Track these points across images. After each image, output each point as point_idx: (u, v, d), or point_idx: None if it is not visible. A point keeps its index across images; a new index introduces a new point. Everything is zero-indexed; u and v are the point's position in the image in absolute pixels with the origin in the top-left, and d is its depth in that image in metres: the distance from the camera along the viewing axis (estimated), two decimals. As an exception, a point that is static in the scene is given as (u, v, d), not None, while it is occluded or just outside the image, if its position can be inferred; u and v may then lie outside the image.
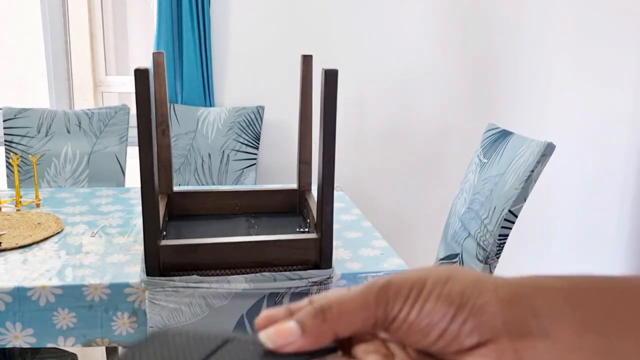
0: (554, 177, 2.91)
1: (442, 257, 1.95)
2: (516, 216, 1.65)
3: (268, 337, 0.36)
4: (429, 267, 0.38)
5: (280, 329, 0.36)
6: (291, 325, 0.36)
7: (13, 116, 2.36)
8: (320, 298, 0.38)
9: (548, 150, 1.62)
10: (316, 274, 1.34)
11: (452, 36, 2.78)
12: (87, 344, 1.40)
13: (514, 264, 2.99)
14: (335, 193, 1.96)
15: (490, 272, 1.71)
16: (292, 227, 1.64)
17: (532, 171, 1.62)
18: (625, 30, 2.86)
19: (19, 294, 1.36)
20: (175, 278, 1.31)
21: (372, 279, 0.41)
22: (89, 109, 2.43)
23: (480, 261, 1.71)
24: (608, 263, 3.12)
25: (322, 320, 0.36)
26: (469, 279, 0.37)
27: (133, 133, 2.54)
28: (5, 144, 2.36)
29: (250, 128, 2.55)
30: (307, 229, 1.60)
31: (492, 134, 1.95)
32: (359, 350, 0.41)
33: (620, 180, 3.02)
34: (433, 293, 0.36)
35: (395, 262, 1.53)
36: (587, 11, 2.82)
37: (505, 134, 1.88)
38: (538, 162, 1.62)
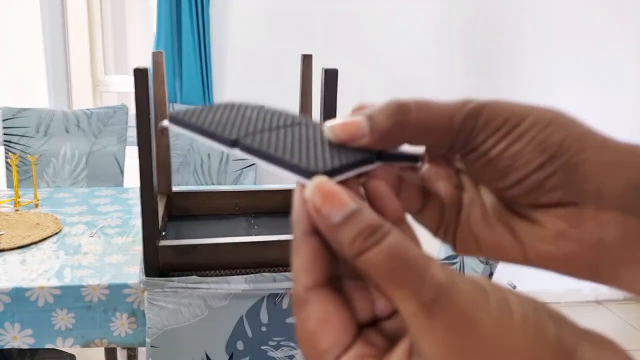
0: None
1: (442, 258, 1.94)
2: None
3: (332, 130, 0.32)
4: (533, 105, 0.32)
5: (346, 123, 0.31)
6: (359, 120, 0.31)
7: (12, 116, 2.35)
8: (403, 98, 0.32)
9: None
10: (316, 275, 1.33)
11: (454, 37, 2.78)
12: (86, 344, 1.40)
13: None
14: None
15: (491, 273, 1.70)
16: (291, 227, 1.62)
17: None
18: (625, 32, 2.85)
19: (18, 295, 1.35)
20: (174, 279, 1.30)
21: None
22: (87, 109, 2.42)
23: (482, 262, 1.70)
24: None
25: (395, 121, 0.31)
26: (573, 130, 0.31)
27: (132, 133, 2.53)
28: (4, 144, 2.36)
29: (250, 128, 2.54)
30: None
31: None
32: (430, 171, 0.37)
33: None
34: (528, 133, 0.31)
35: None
36: (589, 13, 2.81)
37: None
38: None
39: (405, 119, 0.31)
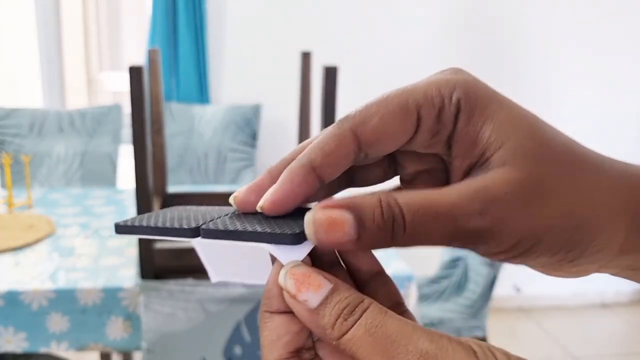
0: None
1: (446, 259, 1.92)
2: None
3: (314, 229, 0.26)
4: (553, 213, 0.27)
5: (332, 223, 0.26)
6: (347, 224, 0.26)
7: (5, 116, 2.32)
8: (397, 201, 0.26)
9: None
10: (316, 277, 1.31)
11: (456, 34, 2.75)
12: (81, 348, 1.39)
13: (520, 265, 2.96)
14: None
15: (495, 276, 1.68)
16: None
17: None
18: (633, 28, 2.83)
19: (11, 298, 1.33)
20: (170, 282, 1.28)
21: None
22: (81, 108, 2.39)
23: (485, 264, 1.68)
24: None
25: (386, 236, 0.26)
26: (601, 240, 0.28)
27: (127, 132, 2.50)
28: (-3, 144, 2.33)
29: (248, 127, 2.52)
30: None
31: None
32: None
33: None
34: (546, 252, 0.28)
35: (399, 265, 1.50)
36: (594, 9, 2.79)
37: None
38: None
39: (399, 234, 0.26)
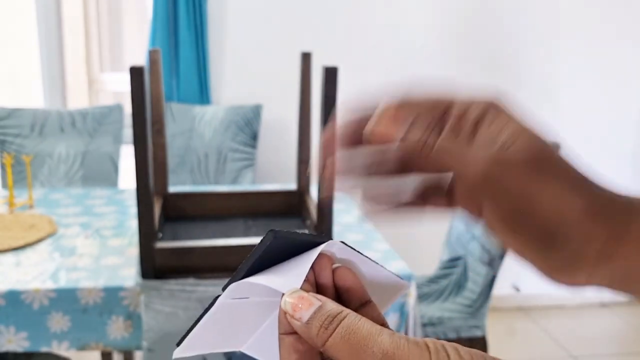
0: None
1: (445, 259, 1.92)
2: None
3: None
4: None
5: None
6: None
7: (6, 115, 2.33)
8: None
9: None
10: (316, 277, 1.31)
11: (456, 34, 2.76)
12: (82, 348, 1.39)
13: (519, 266, 2.96)
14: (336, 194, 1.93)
15: (494, 275, 1.68)
16: (291, 229, 1.61)
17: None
18: (634, 27, 2.83)
19: (12, 297, 1.34)
20: (171, 281, 1.28)
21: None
22: (83, 108, 2.40)
23: (485, 264, 1.69)
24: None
25: (420, 149, 0.37)
26: None
27: (128, 132, 2.51)
28: (-2, 144, 2.33)
29: (248, 127, 2.52)
30: (306, 231, 1.57)
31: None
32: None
33: (627, 181, 2.99)
34: None
35: (398, 265, 1.51)
36: (595, 7, 2.79)
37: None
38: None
39: (426, 153, 0.37)
